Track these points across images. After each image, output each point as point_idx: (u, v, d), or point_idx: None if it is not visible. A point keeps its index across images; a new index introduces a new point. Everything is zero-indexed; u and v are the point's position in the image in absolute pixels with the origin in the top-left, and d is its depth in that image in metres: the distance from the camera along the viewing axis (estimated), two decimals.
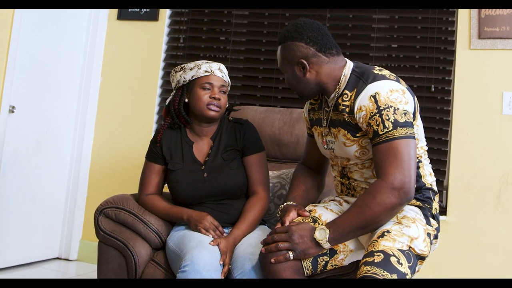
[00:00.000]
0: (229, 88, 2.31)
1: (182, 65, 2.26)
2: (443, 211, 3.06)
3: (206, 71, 2.21)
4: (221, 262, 1.90)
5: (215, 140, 2.26)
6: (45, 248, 3.50)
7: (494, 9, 3.04)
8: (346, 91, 1.83)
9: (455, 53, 3.14)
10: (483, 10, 3.06)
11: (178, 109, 2.24)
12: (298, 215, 1.87)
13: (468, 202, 3.03)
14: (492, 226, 2.97)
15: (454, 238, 3.01)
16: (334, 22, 3.38)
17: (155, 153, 2.25)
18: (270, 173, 2.48)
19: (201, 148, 2.26)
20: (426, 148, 1.93)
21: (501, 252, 2.95)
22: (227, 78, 2.28)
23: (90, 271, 3.36)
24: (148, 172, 2.26)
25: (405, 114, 1.73)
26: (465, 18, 3.12)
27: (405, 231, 1.70)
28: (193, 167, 2.21)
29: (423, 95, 3.15)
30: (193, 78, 2.22)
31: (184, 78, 2.24)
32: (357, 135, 1.82)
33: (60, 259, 3.60)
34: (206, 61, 2.26)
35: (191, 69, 2.23)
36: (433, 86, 3.18)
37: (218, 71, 2.23)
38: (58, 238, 3.59)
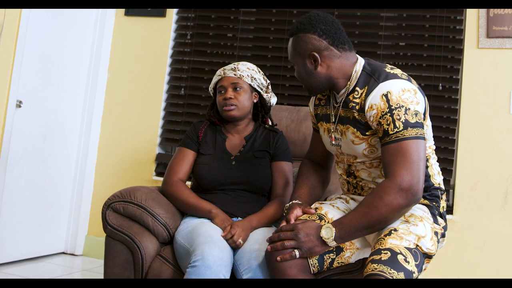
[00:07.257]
0: (251, 82, 2.32)
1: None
2: (449, 210, 3.05)
3: (219, 75, 2.33)
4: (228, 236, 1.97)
5: (249, 140, 2.34)
6: (51, 242, 3.51)
7: (503, 8, 3.03)
8: (357, 88, 1.82)
9: (463, 52, 3.13)
10: (491, 9, 3.05)
11: (212, 113, 2.39)
12: (304, 212, 1.87)
13: (474, 202, 3.02)
14: (499, 225, 2.96)
15: (461, 238, 3.00)
16: (342, 19, 3.36)
17: (191, 138, 2.33)
18: None
19: (234, 143, 2.34)
20: (434, 147, 1.92)
21: (507, 251, 2.94)
22: (243, 73, 2.30)
23: (95, 266, 3.37)
24: (179, 157, 2.30)
25: (416, 114, 1.71)
26: (474, 17, 3.10)
27: (412, 230, 1.69)
28: (223, 155, 2.29)
29: (431, 93, 3.14)
30: (214, 85, 2.36)
31: (212, 86, 2.39)
32: (367, 133, 1.80)
33: (66, 253, 3.62)
34: (232, 63, 2.35)
35: (216, 76, 2.36)
36: (440, 84, 3.17)
37: (230, 71, 2.30)
38: (64, 232, 3.61)
